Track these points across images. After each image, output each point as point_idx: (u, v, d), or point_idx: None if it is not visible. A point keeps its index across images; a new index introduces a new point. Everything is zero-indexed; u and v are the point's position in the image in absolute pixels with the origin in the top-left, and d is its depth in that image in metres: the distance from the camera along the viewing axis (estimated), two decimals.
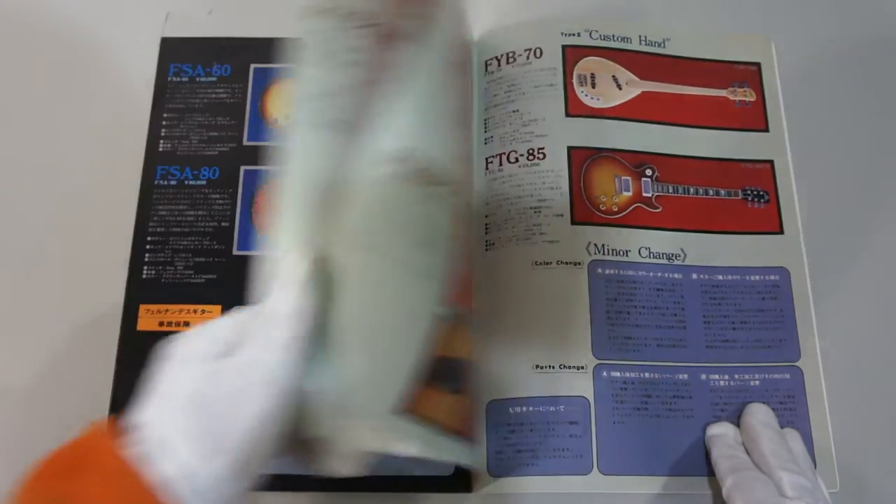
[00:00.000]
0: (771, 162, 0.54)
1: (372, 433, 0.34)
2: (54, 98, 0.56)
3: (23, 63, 0.57)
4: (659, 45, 0.57)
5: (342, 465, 0.34)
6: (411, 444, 0.34)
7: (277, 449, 0.33)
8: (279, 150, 0.37)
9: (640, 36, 0.57)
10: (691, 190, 0.53)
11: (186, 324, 0.50)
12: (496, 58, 0.56)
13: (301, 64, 0.37)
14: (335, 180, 0.36)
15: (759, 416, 0.47)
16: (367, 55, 0.38)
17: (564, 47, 0.55)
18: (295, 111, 0.37)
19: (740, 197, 0.53)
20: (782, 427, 0.47)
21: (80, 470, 0.31)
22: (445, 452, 0.36)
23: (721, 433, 0.47)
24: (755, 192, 0.54)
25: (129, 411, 0.33)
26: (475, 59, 0.57)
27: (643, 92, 0.55)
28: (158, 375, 0.34)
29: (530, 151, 0.53)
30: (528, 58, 0.55)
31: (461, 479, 0.47)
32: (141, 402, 0.33)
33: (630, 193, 0.52)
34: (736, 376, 0.49)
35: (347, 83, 0.37)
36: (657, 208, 0.52)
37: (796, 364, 0.50)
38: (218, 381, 0.32)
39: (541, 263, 0.50)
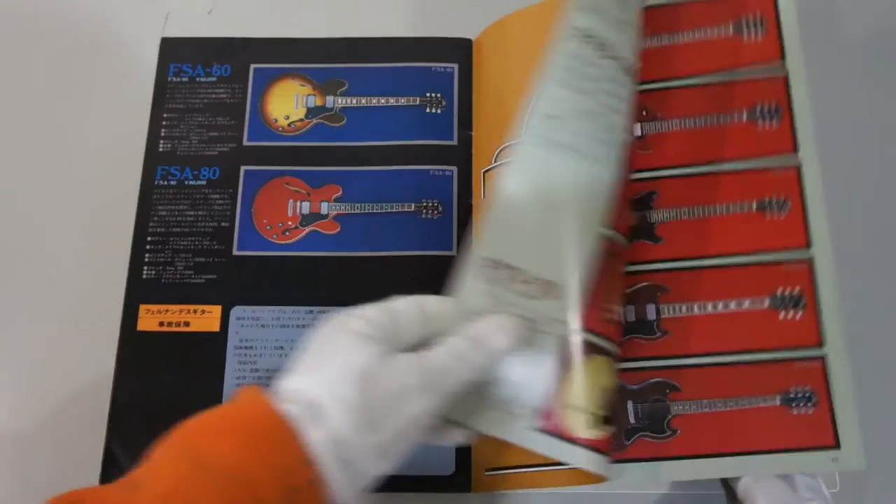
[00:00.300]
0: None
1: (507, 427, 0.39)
2: (54, 98, 0.56)
3: (22, 63, 0.57)
4: None
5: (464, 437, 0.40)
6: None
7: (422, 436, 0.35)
8: (506, 162, 0.40)
9: None
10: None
11: (186, 324, 0.50)
12: None
13: (548, 81, 0.40)
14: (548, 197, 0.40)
15: None
16: (610, 86, 0.41)
17: None
18: (530, 124, 0.40)
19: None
20: None
21: (228, 430, 0.31)
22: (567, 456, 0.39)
23: None
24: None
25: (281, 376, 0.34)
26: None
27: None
28: (315, 346, 0.35)
29: None
30: None
31: (461, 479, 0.47)
32: (294, 369, 0.34)
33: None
34: None
35: (585, 109, 0.41)
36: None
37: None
38: (389, 372, 0.33)
39: None
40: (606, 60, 0.42)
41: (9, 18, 0.59)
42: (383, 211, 0.52)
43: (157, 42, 0.57)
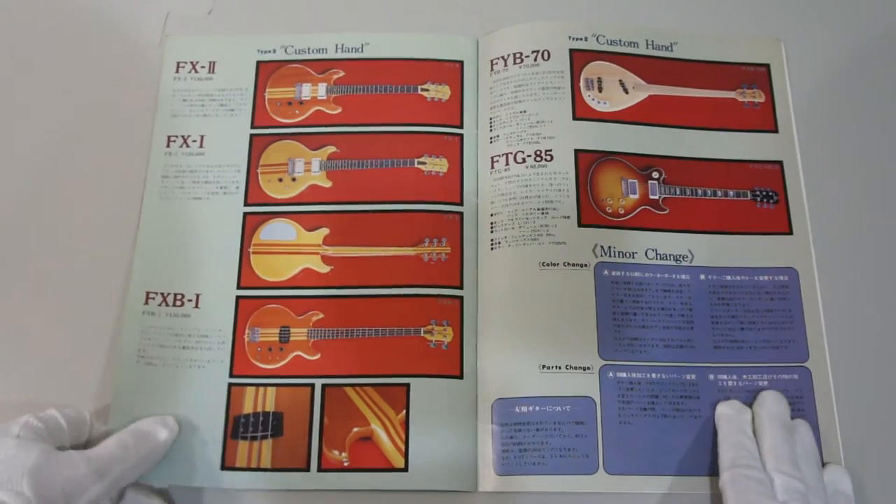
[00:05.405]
0: (780, 163, 0.54)
1: None
2: (55, 98, 0.56)
3: (22, 63, 0.58)
4: (666, 49, 0.57)
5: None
6: None
7: None
8: None
9: (647, 40, 0.57)
10: (699, 192, 0.53)
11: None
12: (503, 57, 0.56)
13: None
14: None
15: (767, 405, 0.46)
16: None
17: (572, 51, 0.56)
18: None
19: (749, 198, 0.53)
20: (794, 418, 0.47)
21: None
22: None
23: (729, 414, 0.46)
24: (764, 193, 0.53)
25: None
26: (481, 57, 0.57)
27: (650, 96, 0.55)
28: None
29: (538, 153, 0.53)
30: (535, 59, 0.55)
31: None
32: None
33: (637, 196, 0.52)
34: (744, 376, 0.49)
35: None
36: (664, 210, 0.52)
37: (805, 364, 0.50)
38: (59, 465, 0.39)
39: (548, 265, 0.50)
40: None
41: (8, 19, 0.59)
42: None
43: (158, 42, 0.58)
